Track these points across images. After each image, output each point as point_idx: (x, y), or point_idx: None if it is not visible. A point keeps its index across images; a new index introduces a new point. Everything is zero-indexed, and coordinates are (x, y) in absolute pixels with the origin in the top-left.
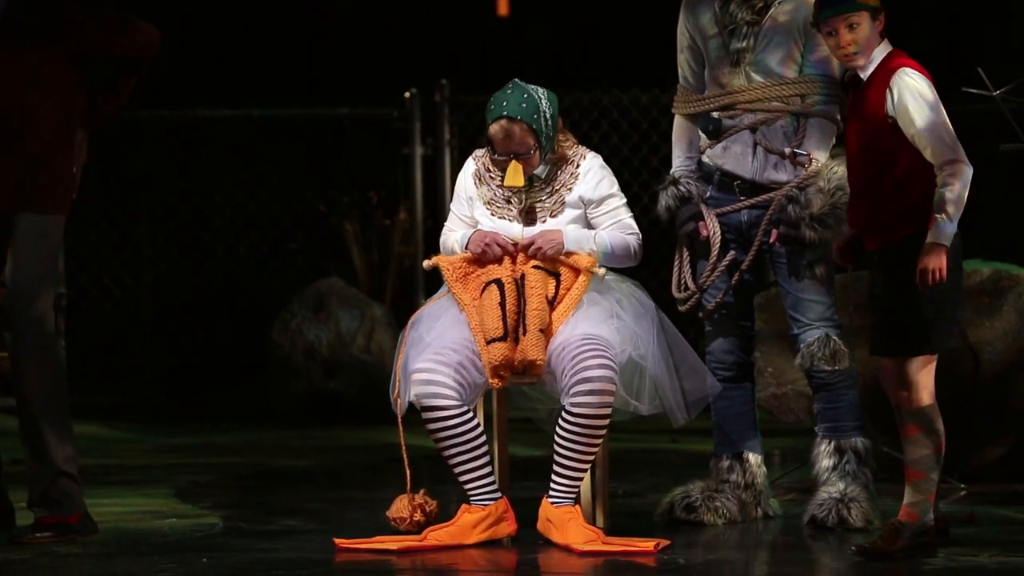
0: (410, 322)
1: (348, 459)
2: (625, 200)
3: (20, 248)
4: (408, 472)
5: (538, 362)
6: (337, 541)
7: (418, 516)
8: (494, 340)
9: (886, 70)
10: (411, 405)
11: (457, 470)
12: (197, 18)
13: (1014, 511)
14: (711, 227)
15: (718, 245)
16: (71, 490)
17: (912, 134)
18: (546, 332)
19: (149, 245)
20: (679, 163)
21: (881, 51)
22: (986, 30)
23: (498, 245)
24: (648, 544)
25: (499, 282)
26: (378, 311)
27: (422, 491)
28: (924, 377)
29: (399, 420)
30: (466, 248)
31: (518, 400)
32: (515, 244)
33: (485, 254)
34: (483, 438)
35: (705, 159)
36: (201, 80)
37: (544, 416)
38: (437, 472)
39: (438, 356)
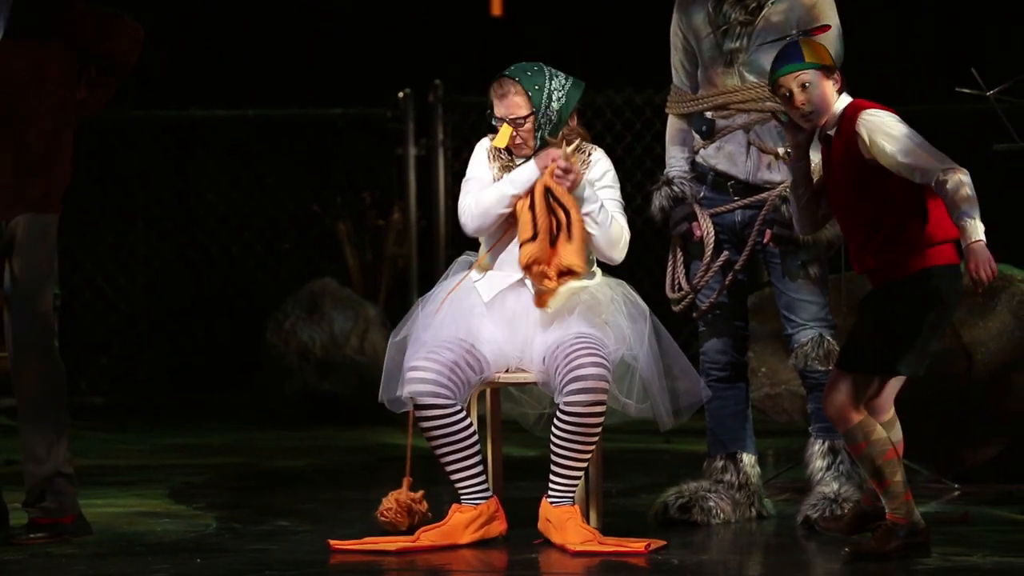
0: (417, 308)
1: (342, 459)
2: (622, 201)
3: (22, 249)
4: (408, 469)
5: (576, 268)
6: (331, 542)
7: (406, 517)
8: (526, 241)
9: (848, 119)
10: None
11: (449, 468)
12: (192, 18)
13: (1008, 511)
14: (704, 227)
15: (712, 245)
16: (66, 491)
17: (896, 166)
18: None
19: (143, 245)
20: (673, 163)
21: (841, 104)
22: (986, 30)
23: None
24: (639, 544)
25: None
26: (372, 311)
27: (416, 490)
28: (859, 394)
29: (409, 420)
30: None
31: (506, 405)
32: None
33: (546, 167)
34: (475, 437)
35: (699, 159)
36: (195, 80)
37: (532, 421)
38: (430, 472)
39: (433, 354)
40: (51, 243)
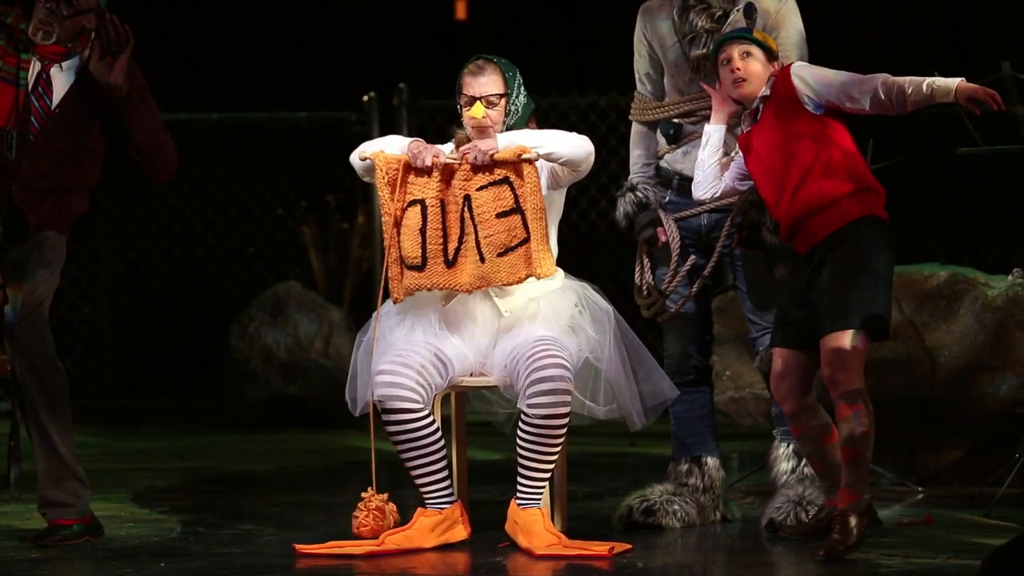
0: (370, 323)
1: (306, 463)
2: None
3: (44, 261)
4: (374, 475)
5: (464, 287)
6: (296, 546)
7: (379, 521)
8: (412, 267)
9: (780, 77)
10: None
11: (414, 473)
12: (155, 21)
13: (971, 514)
14: (669, 232)
15: (677, 250)
16: (81, 492)
17: (837, 87)
18: (528, 243)
19: (106, 248)
20: (636, 169)
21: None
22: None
23: (432, 156)
24: (603, 548)
25: (422, 203)
26: (336, 315)
27: (381, 492)
28: (858, 356)
29: (371, 422)
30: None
31: (477, 404)
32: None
33: (416, 156)
34: (441, 442)
35: (664, 164)
36: (159, 83)
37: (503, 420)
38: (395, 477)
39: (400, 357)
40: (61, 260)
